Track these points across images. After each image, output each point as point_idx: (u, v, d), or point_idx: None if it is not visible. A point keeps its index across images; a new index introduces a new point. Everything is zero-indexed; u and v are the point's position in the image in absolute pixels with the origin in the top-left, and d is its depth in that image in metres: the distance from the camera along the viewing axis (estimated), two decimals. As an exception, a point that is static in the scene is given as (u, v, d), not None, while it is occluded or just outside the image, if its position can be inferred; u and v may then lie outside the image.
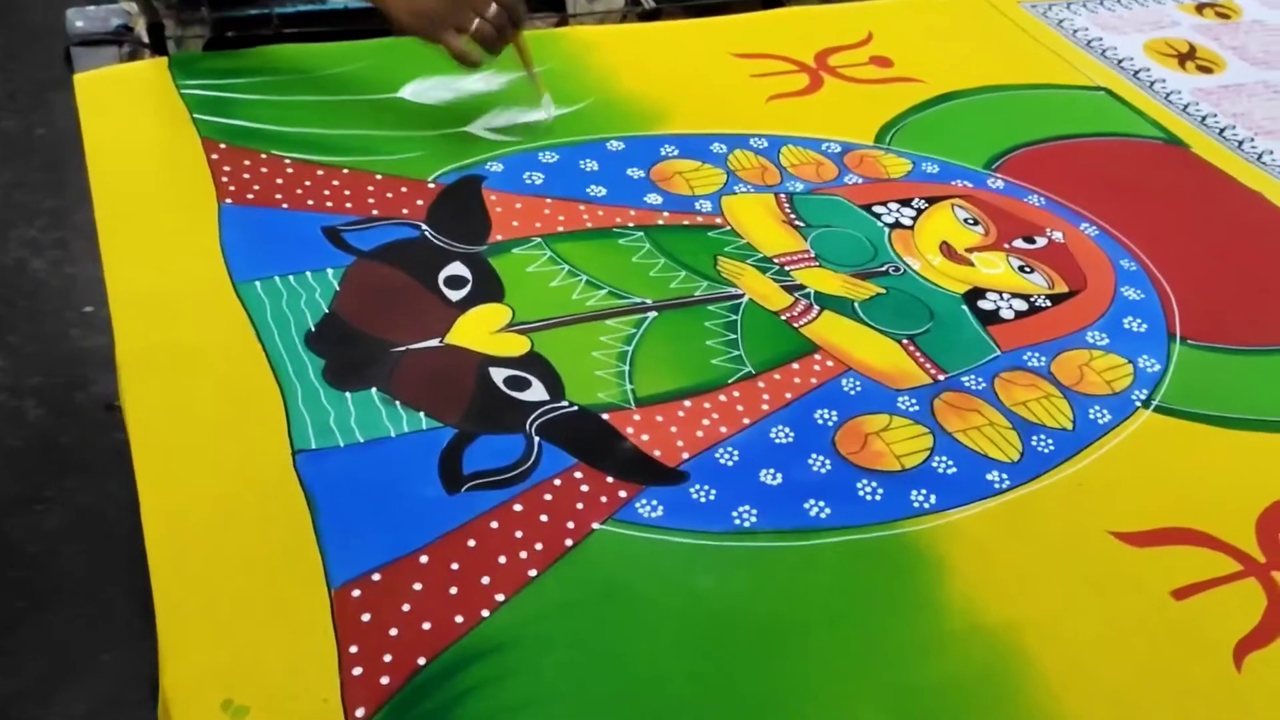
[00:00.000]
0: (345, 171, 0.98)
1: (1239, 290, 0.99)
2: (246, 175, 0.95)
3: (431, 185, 0.98)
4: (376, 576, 0.66)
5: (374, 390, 0.78)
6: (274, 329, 0.82)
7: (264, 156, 0.97)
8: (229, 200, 0.92)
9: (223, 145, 0.98)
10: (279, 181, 0.95)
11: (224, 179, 0.94)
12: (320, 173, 0.97)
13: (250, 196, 0.93)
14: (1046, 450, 0.81)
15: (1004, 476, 0.78)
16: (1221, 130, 1.21)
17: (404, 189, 0.97)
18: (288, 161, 0.97)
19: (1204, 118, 1.23)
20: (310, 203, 0.94)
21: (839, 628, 0.68)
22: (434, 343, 0.82)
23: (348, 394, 0.77)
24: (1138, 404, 0.86)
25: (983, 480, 0.78)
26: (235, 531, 0.68)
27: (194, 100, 1.02)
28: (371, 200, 0.95)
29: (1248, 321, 0.96)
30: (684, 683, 0.64)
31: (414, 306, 0.85)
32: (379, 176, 0.98)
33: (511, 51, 1.06)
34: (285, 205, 0.93)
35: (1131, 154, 1.17)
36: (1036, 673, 0.66)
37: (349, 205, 0.94)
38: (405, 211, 0.94)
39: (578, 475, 0.74)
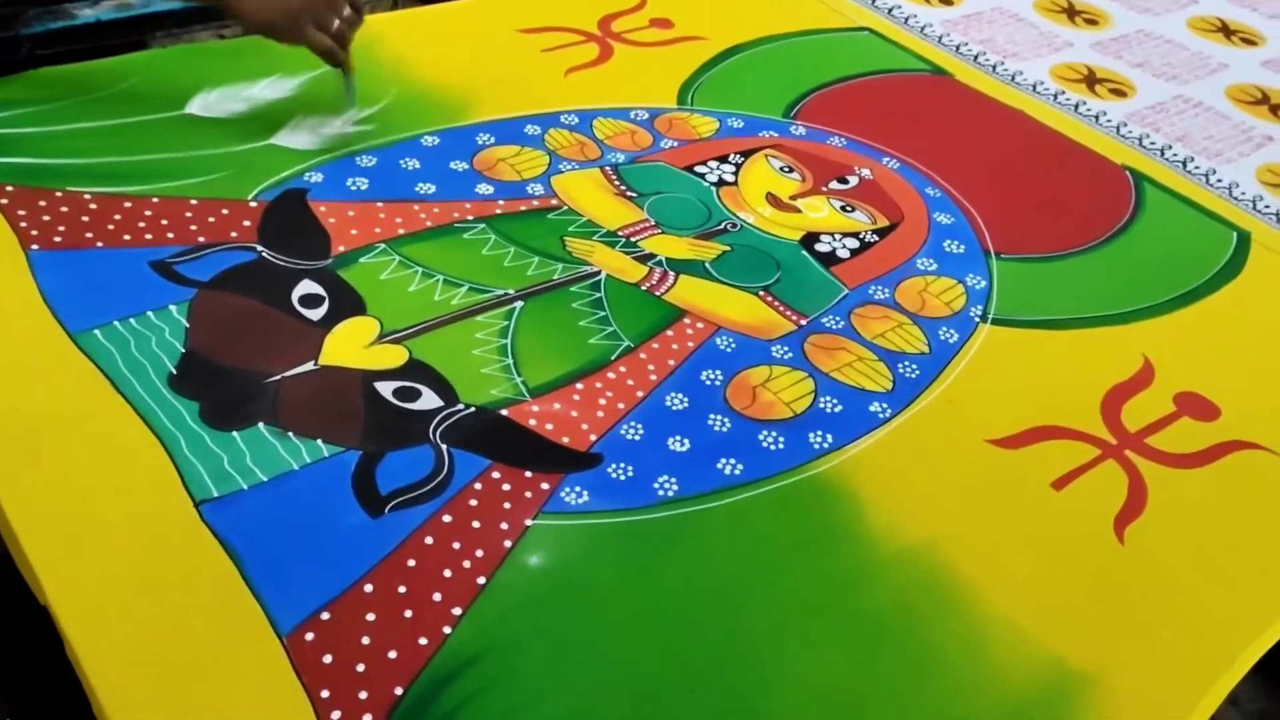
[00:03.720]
0: (155, 200, 0.91)
1: (1029, 203, 1.09)
2: (46, 217, 0.87)
3: (253, 204, 0.93)
4: (325, 615, 0.64)
5: (261, 425, 0.74)
6: (131, 378, 0.76)
7: (59, 195, 0.89)
8: (35, 246, 0.84)
9: (9, 187, 0.89)
10: (84, 219, 0.88)
11: (22, 224, 0.86)
12: (128, 205, 0.90)
13: (58, 240, 0.85)
14: (913, 375, 0.87)
15: (885, 406, 0.83)
16: (975, 57, 1.32)
17: (225, 211, 0.91)
18: (88, 196, 0.90)
19: (958, 47, 1.34)
20: (127, 238, 0.87)
21: (783, 574, 0.71)
22: (309, 366, 0.79)
23: (235, 433, 0.73)
24: (977, 320, 0.93)
25: (867, 413, 0.83)
26: (160, 600, 0.63)
27: (-40, 142, 0.92)
28: (194, 227, 0.89)
29: (1043, 231, 1.05)
30: (659, 656, 0.65)
31: (275, 332, 0.81)
32: (194, 201, 0.92)
33: (298, 55, 1.01)
34: (100, 244, 0.86)
35: (906, 88, 1.25)
36: (962, 579, 0.72)
37: (171, 236, 0.88)
38: (234, 235, 0.89)
39: (495, 475, 0.74)
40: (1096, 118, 1.23)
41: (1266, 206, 1.13)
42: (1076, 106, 1.25)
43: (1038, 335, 0.93)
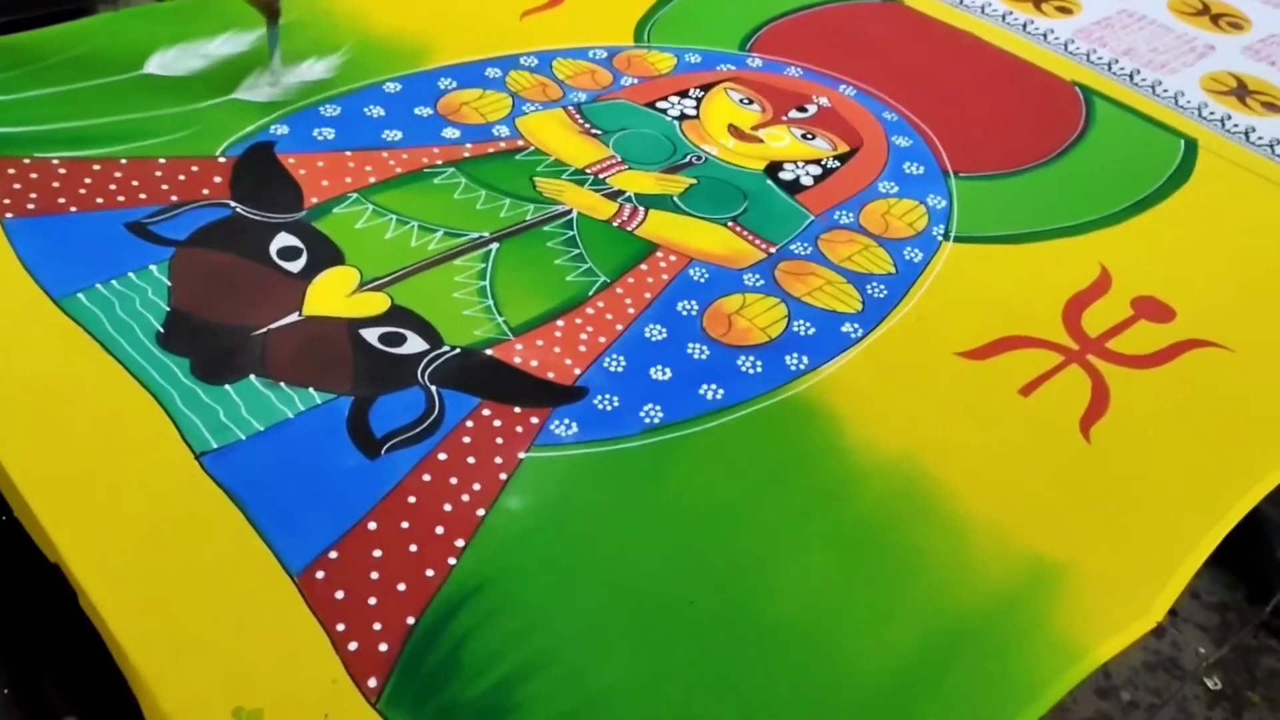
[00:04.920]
0: (124, 162, 0.91)
1: (983, 123, 1.11)
2: (17, 185, 0.87)
3: (222, 160, 0.93)
4: (333, 554, 0.66)
5: (253, 377, 0.75)
6: (119, 339, 0.77)
7: (27, 161, 0.89)
8: (9, 215, 0.84)
9: (-25, 157, 0.89)
10: (55, 185, 0.88)
11: (-8, 193, 0.86)
12: (97, 168, 0.90)
13: (31, 206, 0.86)
14: (881, 295, 0.89)
15: (856, 326, 0.86)
16: (924, -18, 1.33)
17: (194, 169, 0.92)
18: (56, 162, 0.90)
19: (906, -27, 1.35)
20: (100, 201, 0.87)
21: (770, 491, 0.74)
22: (293, 317, 0.80)
23: (227, 387, 0.74)
24: (939, 239, 0.96)
25: (839, 334, 0.85)
26: (171, 549, 0.65)
27: (-80, 114, 0.92)
28: (165, 186, 0.89)
29: (998, 148, 1.08)
30: (658, 572, 0.68)
31: (257, 286, 0.82)
32: (163, 161, 0.92)
33: (253, 11, 1.01)
34: (74, 209, 0.86)
35: (859, 15, 1.27)
36: (940, 484, 0.75)
37: (143, 196, 0.88)
38: (206, 192, 0.90)
39: (486, 413, 0.76)
40: (1045, 35, 1.26)
41: (1211, 113, 1.16)
42: (1025, 25, 1.27)
43: (998, 250, 0.96)
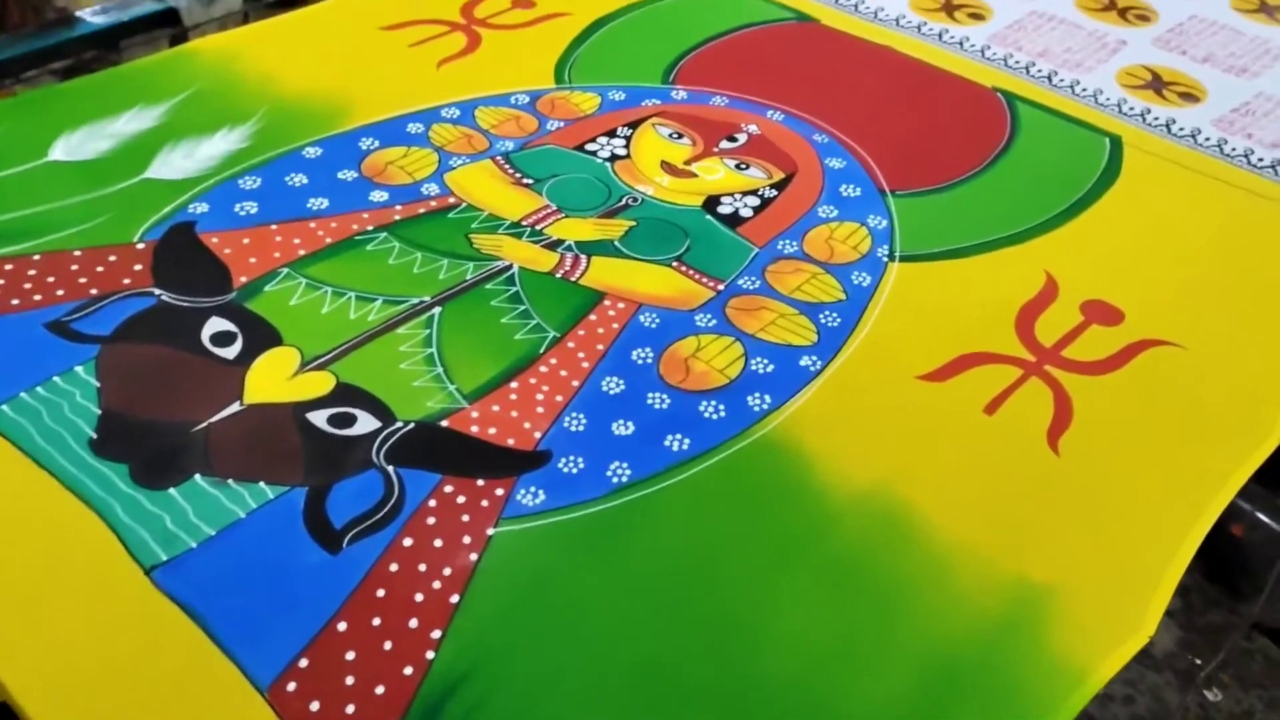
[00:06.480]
0: (37, 258, 0.87)
1: (912, 137, 1.11)
2: (-78, 293, 0.82)
3: (141, 246, 0.89)
4: (304, 662, 0.62)
5: (198, 477, 0.72)
6: (50, 450, 0.72)
7: (-68, 267, 0.84)
8: (-83, 327, 0.80)
9: (-125, 267, 0.84)
10: (-36, 289, 0.83)
11: (-103, 305, 0.81)
12: (9, 267, 0.86)
13: (-60, 315, 0.81)
14: (835, 324, 0.88)
15: (814, 359, 0.85)
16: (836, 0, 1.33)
17: (112, 258, 0.88)
18: (-37, 265, 0.85)
19: (817, -9, 1.35)
20: (15, 303, 0.83)
21: (747, 539, 0.72)
22: (235, 408, 0.76)
23: (171, 490, 0.71)
24: (885, 260, 0.95)
25: (799, 368, 0.84)
26: (127, 677, 0.61)
27: None
28: (84, 280, 0.85)
29: (931, 163, 1.08)
30: (648, 637, 0.65)
31: (192, 377, 0.78)
32: (78, 252, 0.88)
33: (158, 83, 0.98)
34: (-13, 313, 0.82)
35: (777, 38, 1.26)
36: (917, 513, 0.74)
37: (61, 293, 0.84)
38: (127, 281, 0.86)
39: (448, 489, 0.73)
40: (961, 44, 1.26)
41: (1131, 109, 1.17)
42: (940, 35, 1.27)
43: (944, 266, 0.95)
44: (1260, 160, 1.10)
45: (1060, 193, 1.05)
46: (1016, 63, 1.23)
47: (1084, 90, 1.19)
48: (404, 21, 1.21)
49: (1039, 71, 1.22)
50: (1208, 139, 1.13)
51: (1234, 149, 1.12)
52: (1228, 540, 1.19)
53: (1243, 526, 0.99)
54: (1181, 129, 1.14)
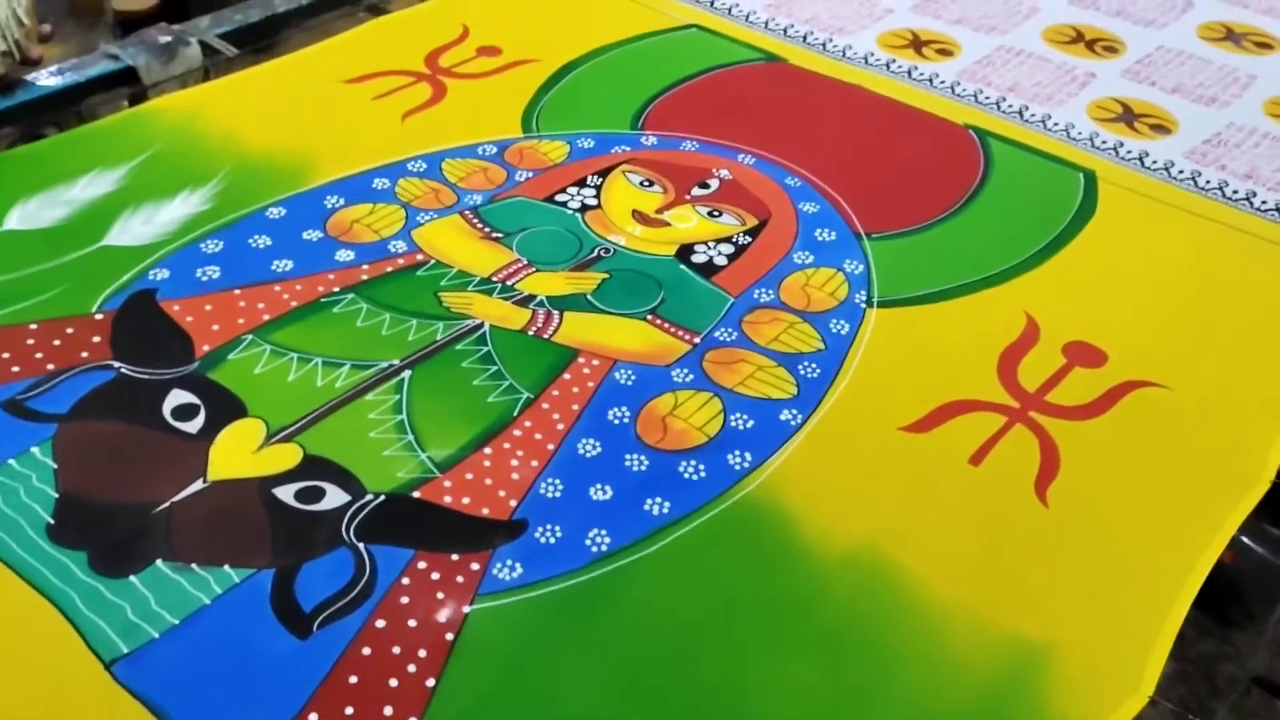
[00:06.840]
0: (-10, 332, 0.84)
1: (885, 178, 1.10)
2: None
3: (99, 316, 0.87)
4: (274, 758, 0.60)
5: (160, 562, 0.69)
6: (5, 538, 0.70)
7: (-119, 346, 0.82)
8: None
9: None
10: (-85, 368, 0.80)
11: None
12: (-39, 343, 0.83)
13: (-111, 397, 0.78)
14: (814, 375, 0.86)
15: (795, 413, 0.83)
16: (804, 37, 1.33)
17: (69, 330, 0.85)
18: (-87, 342, 0.82)
19: (785, 30, 1.34)
20: (-32, 381, 0.80)
21: (734, 607, 0.70)
22: (198, 485, 0.74)
23: (132, 578, 0.68)
24: (863, 306, 0.93)
25: (779, 422, 0.82)
26: (89, 782, 0.58)
27: None
28: (40, 355, 0.83)
29: (905, 204, 1.07)
30: (637, 713, 0.63)
31: (153, 454, 0.76)
32: (34, 326, 0.85)
33: (117, 145, 0.96)
34: (-62, 393, 0.79)
35: (743, 79, 1.25)
36: (906, 572, 0.72)
37: (16, 369, 0.81)
38: (85, 355, 0.83)
39: (421, 566, 0.70)
40: (930, 80, 1.25)
41: (1104, 142, 1.16)
42: (910, 73, 1.27)
43: (923, 310, 0.94)
44: (1235, 193, 1.09)
45: (1036, 231, 1.03)
46: (987, 98, 1.22)
47: (1056, 125, 1.18)
48: (368, 74, 1.19)
49: (1010, 107, 1.21)
50: (1181, 172, 1.12)
51: (1208, 181, 1.11)
52: (1217, 567, 1.17)
53: (1233, 553, 0.97)
54: (1155, 162, 1.13)
